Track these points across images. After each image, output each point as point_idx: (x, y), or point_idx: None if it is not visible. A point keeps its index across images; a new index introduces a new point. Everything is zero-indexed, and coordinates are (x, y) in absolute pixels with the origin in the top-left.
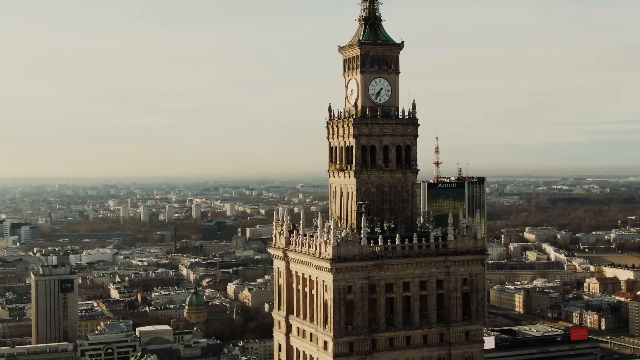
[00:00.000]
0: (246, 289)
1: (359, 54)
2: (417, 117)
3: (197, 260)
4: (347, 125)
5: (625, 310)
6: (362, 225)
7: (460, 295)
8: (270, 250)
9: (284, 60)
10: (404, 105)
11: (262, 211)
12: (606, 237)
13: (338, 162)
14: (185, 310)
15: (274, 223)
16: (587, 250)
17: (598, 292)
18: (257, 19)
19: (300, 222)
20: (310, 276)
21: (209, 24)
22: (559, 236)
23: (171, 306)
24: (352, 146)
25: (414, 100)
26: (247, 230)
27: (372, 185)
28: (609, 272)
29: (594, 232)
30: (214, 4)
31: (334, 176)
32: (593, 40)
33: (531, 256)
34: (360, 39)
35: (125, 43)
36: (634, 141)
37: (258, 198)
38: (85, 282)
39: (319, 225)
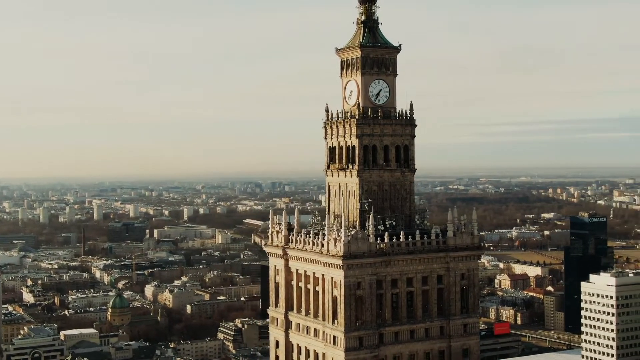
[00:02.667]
0: (167, 290)
1: (359, 56)
2: (414, 118)
3: (109, 262)
4: (349, 125)
5: (539, 305)
6: (369, 223)
7: (459, 289)
8: (267, 249)
9: (181, 59)
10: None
11: (166, 212)
12: (508, 235)
13: (338, 161)
14: (109, 313)
15: (269, 222)
16: (492, 248)
17: (510, 288)
18: (150, 17)
19: (283, 221)
20: (314, 273)
21: (102, 21)
22: None
23: (91, 309)
24: (354, 146)
25: (411, 101)
26: (155, 231)
27: (374, 184)
28: (518, 268)
29: (496, 231)
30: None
31: (332, 175)
32: (489, 43)
33: None
34: (361, 41)
35: (13, 38)
36: (525, 142)
37: (159, 199)
38: None
39: (326, 223)
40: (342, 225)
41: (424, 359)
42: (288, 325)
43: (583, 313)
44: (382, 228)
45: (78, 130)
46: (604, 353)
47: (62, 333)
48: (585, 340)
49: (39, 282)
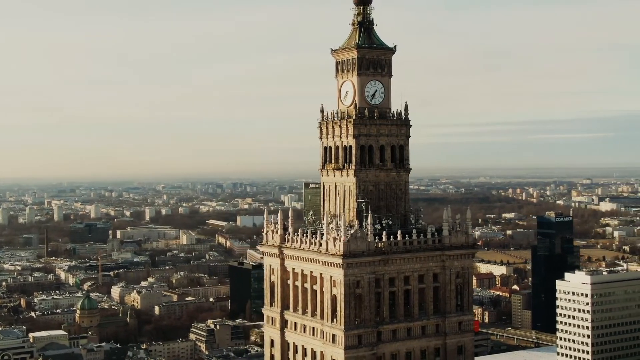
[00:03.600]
0: (135, 291)
1: (356, 56)
2: (409, 119)
3: (73, 263)
4: (346, 125)
5: (506, 304)
6: (368, 222)
7: (454, 287)
8: (262, 248)
9: (139, 58)
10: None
11: (128, 213)
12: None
13: (334, 161)
14: (77, 314)
15: (264, 222)
16: None
17: (476, 287)
18: (111, 16)
19: (279, 221)
20: (312, 272)
21: (59, 19)
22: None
23: (58, 311)
24: (351, 146)
25: (406, 102)
26: (118, 232)
27: (370, 183)
28: (483, 268)
29: None
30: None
31: (327, 175)
32: (448, 44)
33: None
34: (358, 42)
35: None
36: (483, 143)
37: (119, 200)
38: None
39: (325, 222)
40: (342, 224)
41: (421, 356)
42: (284, 324)
43: (558, 311)
44: (379, 227)
45: (34, 131)
46: (579, 350)
47: (30, 335)
48: (561, 338)
49: (4, 283)
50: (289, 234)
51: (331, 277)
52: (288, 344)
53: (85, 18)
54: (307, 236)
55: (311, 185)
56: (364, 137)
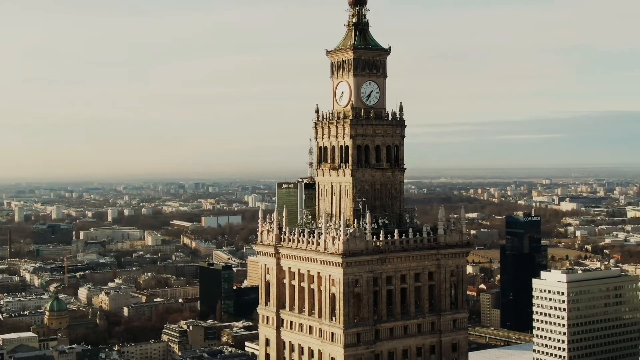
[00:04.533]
0: (103, 293)
1: (352, 57)
2: (404, 119)
3: (38, 265)
4: (343, 125)
5: (474, 303)
6: (365, 222)
7: (449, 286)
8: (257, 248)
9: (97, 58)
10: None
11: (89, 214)
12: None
13: (330, 161)
14: (47, 316)
15: (259, 221)
16: None
17: None
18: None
19: (275, 220)
20: (309, 271)
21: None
22: None
23: (25, 312)
24: (347, 146)
25: (401, 103)
26: (81, 233)
27: (366, 183)
28: None
29: None
30: None
31: (322, 175)
32: (406, 46)
33: None
34: (354, 43)
35: None
36: (443, 144)
37: (80, 200)
38: None
39: (323, 222)
40: (342, 223)
41: (416, 354)
42: (279, 323)
43: (535, 309)
44: (376, 226)
45: None
46: (556, 347)
47: None
48: (537, 336)
49: None
50: (285, 233)
51: (330, 275)
52: (284, 342)
53: (46, 16)
54: (303, 235)
55: (284, 186)
56: (360, 137)
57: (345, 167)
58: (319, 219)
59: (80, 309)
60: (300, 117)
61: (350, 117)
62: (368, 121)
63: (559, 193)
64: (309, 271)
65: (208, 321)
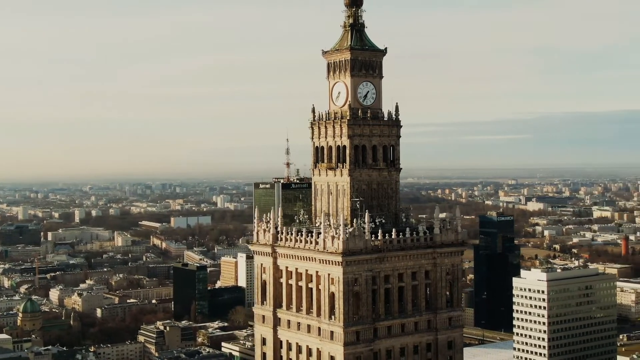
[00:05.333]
0: (75, 294)
1: (349, 58)
2: (400, 119)
3: (7, 266)
4: (340, 125)
5: None
6: (363, 221)
7: (445, 284)
8: (254, 247)
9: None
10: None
11: (56, 214)
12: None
13: (327, 161)
14: (20, 318)
15: (255, 221)
16: None
17: None
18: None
19: (271, 220)
20: (307, 270)
21: None
22: None
23: None
24: (344, 146)
25: (397, 103)
26: (49, 234)
27: (363, 182)
28: None
29: None
30: None
31: (319, 174)
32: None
33: None
34: (351, 44)
35: None
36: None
37: (46, 201)
38: None
39: (322, 221)
40: (341, 223)
41: (413, 351)
42: (276, 322)
43: (515, 307)
44: (373, 225)
45: None
46: (536, 345)
47: None
48: (517, 334)
49: None
50: (281, 232)
51: (329, 274)
52: (281, 341)
53: (12, 15)
54: (301, 235)
55: (261, 186)
56: (357, 137)
57: (343, 167)
58: (315, 219)
59: (53, 310)
60: (273, 118)
61: (348, 118)
62: (365, 121)
63: (525, 193)
64: (307, 270)
65: (183, 322)
